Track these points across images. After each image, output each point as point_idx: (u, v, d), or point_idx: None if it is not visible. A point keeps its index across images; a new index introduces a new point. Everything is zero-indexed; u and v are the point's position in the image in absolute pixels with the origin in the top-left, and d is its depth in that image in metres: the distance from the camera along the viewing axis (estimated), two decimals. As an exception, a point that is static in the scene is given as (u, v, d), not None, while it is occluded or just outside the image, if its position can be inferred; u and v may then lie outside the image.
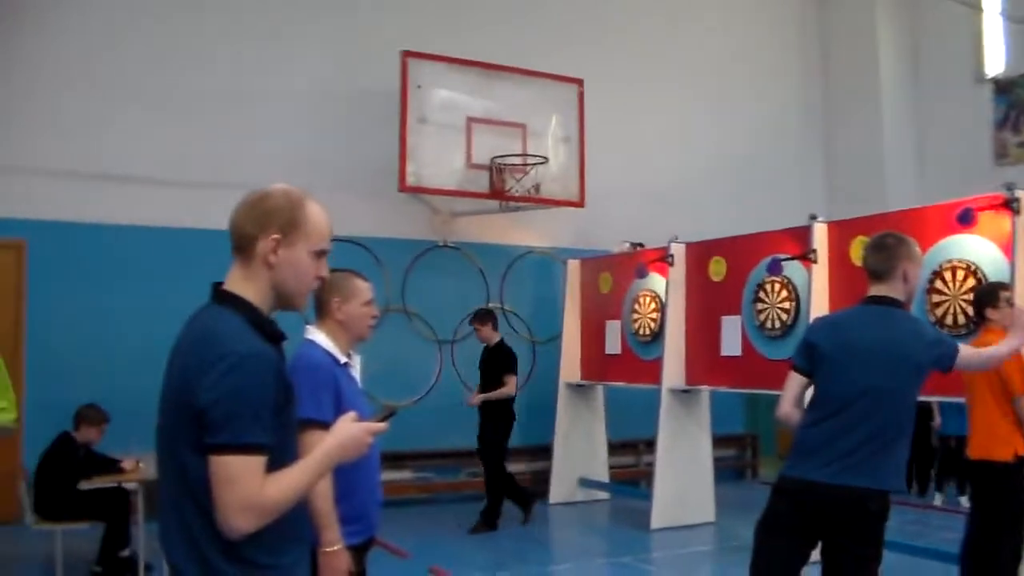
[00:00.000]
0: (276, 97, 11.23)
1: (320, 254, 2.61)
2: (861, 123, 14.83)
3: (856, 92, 14.97)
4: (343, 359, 3.82)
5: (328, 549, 3.46)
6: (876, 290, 4.34)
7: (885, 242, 4.37)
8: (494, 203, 11.57)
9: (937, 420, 11.52)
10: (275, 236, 2.52)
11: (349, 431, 2.57)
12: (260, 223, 2.52)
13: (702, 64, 14.15)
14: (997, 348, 4.62)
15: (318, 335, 3.83)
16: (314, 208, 2.60)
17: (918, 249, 4.42)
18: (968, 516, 6.38)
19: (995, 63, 14.13)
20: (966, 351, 4.38)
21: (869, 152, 14.63)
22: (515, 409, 10.09)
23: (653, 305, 10.76)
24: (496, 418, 9.93)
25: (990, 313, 6.10)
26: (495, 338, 10.19)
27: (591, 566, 8.94)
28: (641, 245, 11.11)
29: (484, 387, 10.04)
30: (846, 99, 15.13)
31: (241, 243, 2.54)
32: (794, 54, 15.30)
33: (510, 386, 9.89)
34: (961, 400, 6.59)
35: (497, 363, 10.04)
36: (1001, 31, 14.13)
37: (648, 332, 10.78)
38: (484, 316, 10.31)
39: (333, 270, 3.90)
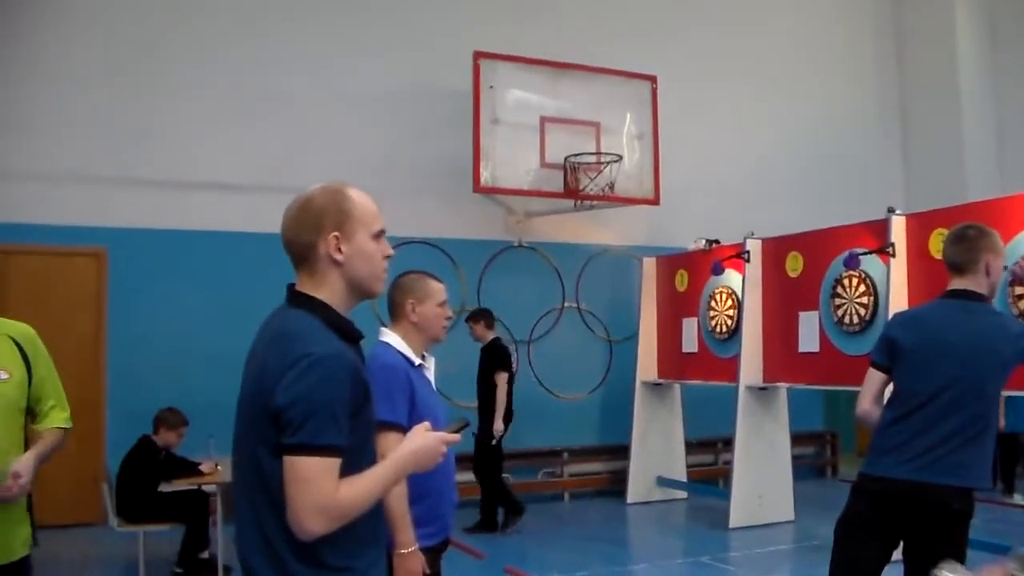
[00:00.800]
0: (350, 100, 11.31)
1: (379, 235, 2.61)
2: (939, 112, 14.42)
3: (933, 80, 14.59)
4: (417, 361, 3.82)
5: (403, 551, 3.46)
6: (957, 283, 4.24)
7: (966, 234, 4.26)
8: (568, 202, 11.52)
9: (1001, 422, 11.19)
10: (334, 234, 2.52)
11: (423, 440, 2.59)
12: (315, 226, 2.53)
13: (776, 58, 13.98)
14: None
15: (392, 337, 3.84)
16: (357, 194, 2.61)
17: (1000, 241, 4.31)
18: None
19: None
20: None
21: (948, 142, 14.21)
22: (515, 407, 9.97)
23: (729, 302, 10.66)
24: (489, 419, 9.76)
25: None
26: (488, 336, 10.01)
27: (669, 566, 8.87)
28: (717, 242, 10.98)
29: (480, 386, 9.90)
30: (923, 88, 14.76)
31: (301, 252, 2.55)
32: (869, 42, 15.03)
33: (500, 383, 9.74)
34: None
35: (488, 361, 9.90)
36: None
37: (725, 329, 10.69)
38: (477, 315, 10.14)
39: (407, 272, 3.94)
